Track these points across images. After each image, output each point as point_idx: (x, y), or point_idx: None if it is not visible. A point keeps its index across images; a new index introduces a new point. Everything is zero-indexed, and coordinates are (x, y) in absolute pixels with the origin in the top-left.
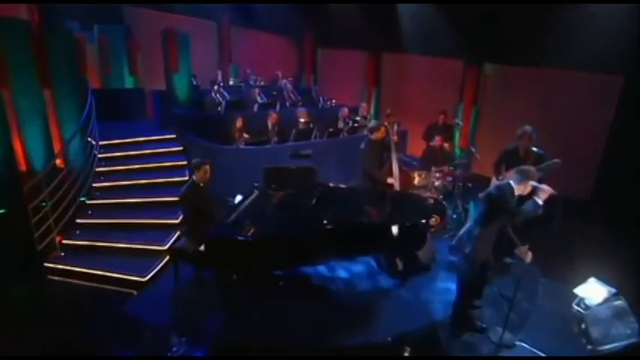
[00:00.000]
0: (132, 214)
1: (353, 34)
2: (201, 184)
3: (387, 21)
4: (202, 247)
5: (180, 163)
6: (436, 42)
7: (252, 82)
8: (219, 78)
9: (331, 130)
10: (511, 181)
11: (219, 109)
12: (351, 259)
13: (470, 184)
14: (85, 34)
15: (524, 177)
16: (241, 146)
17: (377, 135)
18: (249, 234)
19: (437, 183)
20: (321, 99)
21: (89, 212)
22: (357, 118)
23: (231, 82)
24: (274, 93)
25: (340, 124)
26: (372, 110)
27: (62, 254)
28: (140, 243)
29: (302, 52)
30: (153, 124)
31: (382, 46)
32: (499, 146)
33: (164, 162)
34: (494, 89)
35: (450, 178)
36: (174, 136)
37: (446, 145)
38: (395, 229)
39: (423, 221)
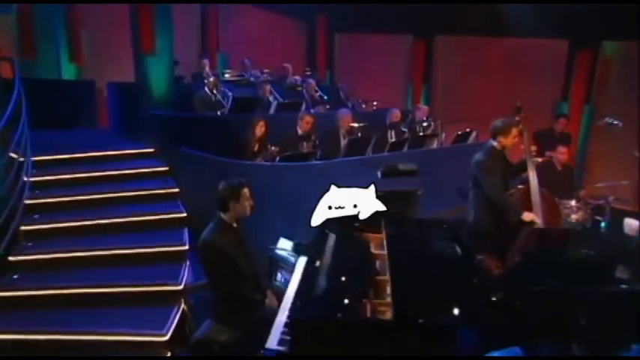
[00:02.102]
0: (89, 278)
1: (386, 13)
2: (235, 224)
3: None
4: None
5: (167, 190)
6: (523, 16)
7: (252, 76)
8: (207, 69)
9: (393, 140)
10: None
11: (221, 110)
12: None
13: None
14: None
15: None
16: (275, 162)
17: (505, 140)
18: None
19: (575, 216)
20: (351, 100)
21: (14, 276)
22: (425, 124)
23: (227, 76)
24: (299, 88)
25: (391, 134)
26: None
27: None
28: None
29: (313, 40)
30: (113, 132)
31: (434, 27)
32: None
33: (140, 189)
34: (617, 79)
35: (590, 209)
36: (151, 149)
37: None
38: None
39: None
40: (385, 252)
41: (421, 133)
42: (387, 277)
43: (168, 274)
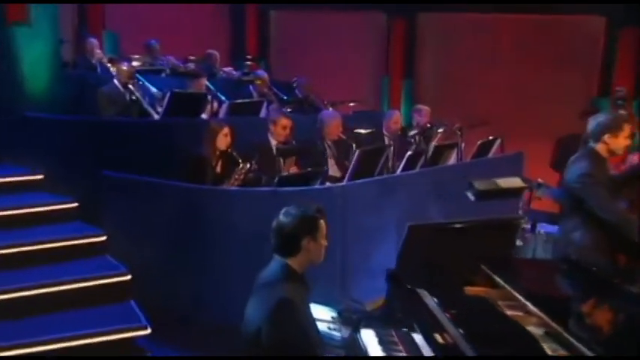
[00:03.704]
0: None
1: None
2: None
3: None
4: None
5: (84, 240)
6: None
7: (164, 64)
8: (98, 51)
9: (410, 153)
10: None
11: (153, 112)
12: None
13: None
14: None
15: None
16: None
17: (614, 142)
18: None
19: None
20: (312, 99)
21: None
22: (440, 130)
23: (134, 63)
24: (259, 82)
25: (388, 141)
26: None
27: None
28: None
29: (238, 19)
30: None
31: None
32: None
33: (30, 244)
34: None
35: None
36: (39, 176)
37: None
38: None
39: None
40: (531, 312)
41: (433, 143)
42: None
43: None
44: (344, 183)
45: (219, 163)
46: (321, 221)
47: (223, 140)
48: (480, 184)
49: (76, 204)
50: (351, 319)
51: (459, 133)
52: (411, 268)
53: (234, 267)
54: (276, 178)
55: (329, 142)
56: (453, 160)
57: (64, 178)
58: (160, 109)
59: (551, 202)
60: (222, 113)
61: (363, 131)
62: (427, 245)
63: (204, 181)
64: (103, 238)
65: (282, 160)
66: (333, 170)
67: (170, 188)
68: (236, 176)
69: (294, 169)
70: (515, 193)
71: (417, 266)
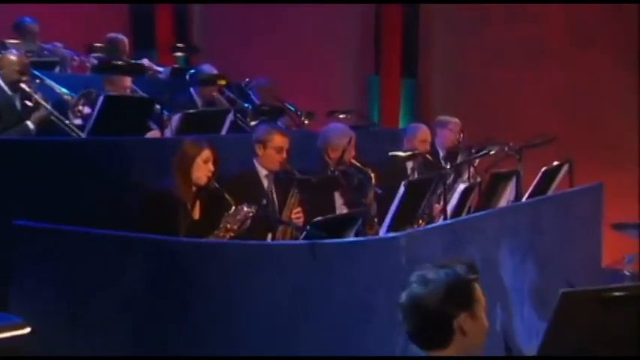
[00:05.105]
0: None
1: None
2: None
3: None
4: None
5: None
6: None
7: (47, 51)
8: None
9: (465, 185)
10: None
11: (72, 127)
12: None
13: None
14: None
15: None
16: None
17: None
18: None
19: None
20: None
21: None
22: (492, 152)
23: (14, 52)
24: (222, 83)
25: (411, 168)
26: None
27: None
28: None
29: None
30: None
31: None
32: None
33: None
34: None
35: None
36: None
37: None
38: None
39: None
40: None
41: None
42: None
43: None
44: (406, 232)
45: (197, 205)
46: (477, 286)
47: (203, 169)
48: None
49: None
50: None
51: (518, 157)
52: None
53: None
54: (308, 225)
55: (332, 164)
56: (510, 193)
57: None
58: (77, 121)
59: None
60: (172, 128)
61: (402, 154)
62: (586, 324)
63: (175, 232)
64: (25, 330)
65: (274, 196)
66: (341, 210)
67: (133, 243)
68: (228, 224)
69: (298, 213)
70: None
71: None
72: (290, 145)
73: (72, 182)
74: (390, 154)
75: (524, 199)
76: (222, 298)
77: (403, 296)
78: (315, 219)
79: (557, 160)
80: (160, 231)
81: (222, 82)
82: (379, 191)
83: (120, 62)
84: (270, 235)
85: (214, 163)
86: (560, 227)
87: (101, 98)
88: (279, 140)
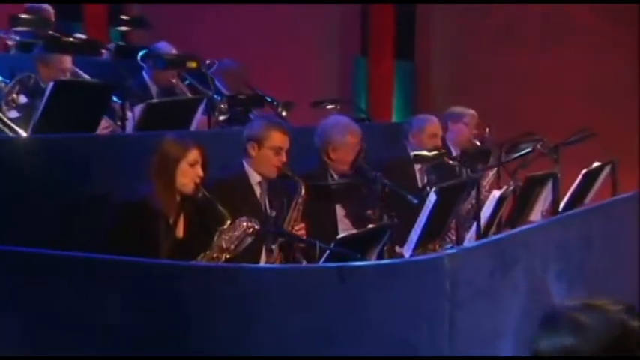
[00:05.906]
0: None
1: None
2: None
3: None
4: None
5: None
6: None
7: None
8: None
9: (500, 192)
10: None
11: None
12: None
13: None
14: None
15: None
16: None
17: None
18: None
19: None
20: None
21: None
22: (528, 150)
23: None
24: (192, 65)
25: (422, 179)
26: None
27: None
28: None
29: None
30: None
31: None
32: None
33: None
34: None
35: None
36: None
37: None
38: None
39: None
40: None
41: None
42: None
43: None
44: (448, 251)
45: (182, 219)
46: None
47: (189, 174)
48: None
49: None
50: None
51: (555, 156)
52: None
53: None
54: (332, 244)
55: (333, 169)
56: (546, 199)
57: None
58: (16, 114)
59: None
60: (132, 121)
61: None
62: None
63: (154, 253)
64: None
65: (268, 206)
66: (344, 224)
67: (110, 267)
68: (224, 243)
69: (301, 230)
70: None
71: None
72: (290, 145)
73: (13, 193)
74: (413, 154)
75: (560, 206)
76: (225, 334)
77: (541, 345)
78: (340, 235)
79: (597, 161)
80: (134, 252)
81: (193, 65)
82: (415, 201)
83: (72, 39)
84: (263, 257)
85: (203, 167)
86: (611, 243)
87: (51, 84)
88: (278, 139)
